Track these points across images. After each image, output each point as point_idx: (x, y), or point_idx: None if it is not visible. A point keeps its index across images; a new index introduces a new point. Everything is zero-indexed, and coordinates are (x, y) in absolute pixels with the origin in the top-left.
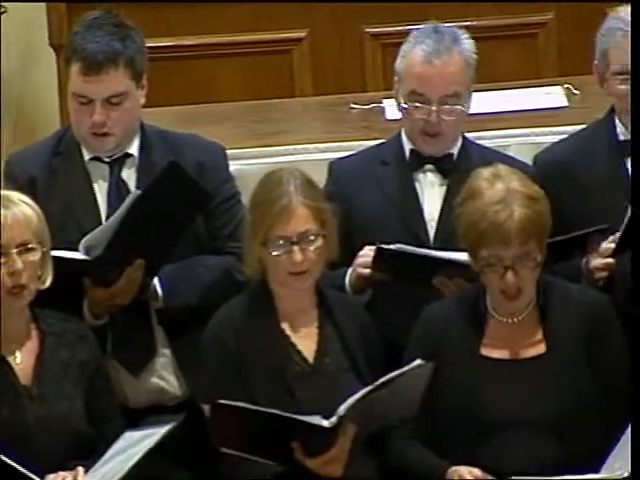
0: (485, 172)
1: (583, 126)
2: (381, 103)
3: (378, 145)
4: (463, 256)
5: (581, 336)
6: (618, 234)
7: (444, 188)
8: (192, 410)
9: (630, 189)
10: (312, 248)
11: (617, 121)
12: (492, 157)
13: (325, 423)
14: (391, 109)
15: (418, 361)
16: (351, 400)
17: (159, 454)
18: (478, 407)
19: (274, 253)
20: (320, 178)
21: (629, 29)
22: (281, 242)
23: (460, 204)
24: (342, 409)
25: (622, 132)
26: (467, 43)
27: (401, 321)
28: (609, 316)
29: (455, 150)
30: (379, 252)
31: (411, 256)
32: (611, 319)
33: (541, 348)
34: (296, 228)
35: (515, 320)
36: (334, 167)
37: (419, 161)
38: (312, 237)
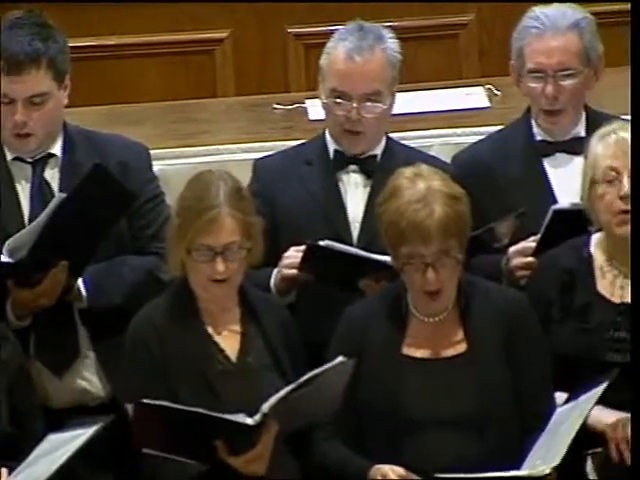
0: (407, 171)
1: (501, 127)
2: (304, 103)
3: (302, 144)
4: (389, 259)
5: (501, 335)
6: (539, 235)
7: (368, 189)
8: (115, 411)
9: (546, 187)
10: (235, 259)
11: (533, 121)
12: (416, 157)
13: (249, 421)
14: (314, 109)
15: (340, 358)
16: (274, 398)
17: (82, 456)
18: (400, 406)
19: (197, 260)
20: (243, 178)
21: (544, 27)
22: (205, 251)
23: (381, 203)
24: (265, 407)
25: (538, 132)
26: (391, 42)
27: (324, 321)
28: (527, 315)
29: (379, 150)
30: (309, 250)
31: (340, 254)
32: (529, 318)
33: (462, 347)
34: (221, 240)
35: (436, 319)
36: (258, 166)
37: (343, 161)
38: (236, 249)
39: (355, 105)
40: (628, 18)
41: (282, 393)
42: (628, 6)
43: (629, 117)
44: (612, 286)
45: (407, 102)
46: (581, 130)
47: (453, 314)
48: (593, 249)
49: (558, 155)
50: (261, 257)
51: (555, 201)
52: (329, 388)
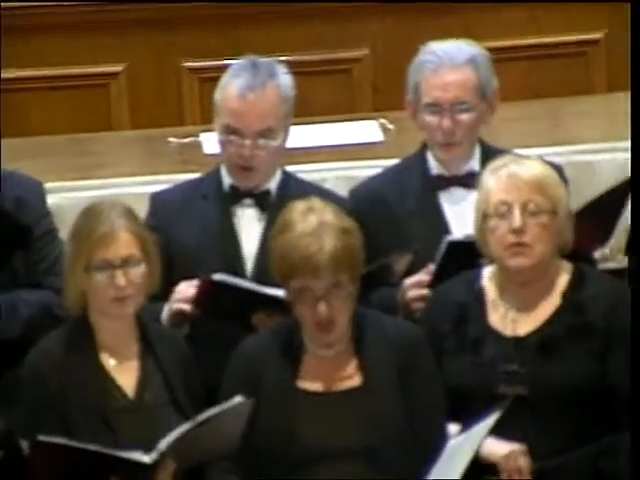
0: (299, 205)
1: (397, 160)
2: (198, 137)
3: (198, 178)
4: (282, 293)
5: (395, 368)
6: (433, 265)
7: (263, 223)
8: (10, 446)
9: (441, 221)
10: (135, 273)
11: (429, 155)
12: (311, 191)
13: (145, 459)
14: (208, 143)
15: (238, 398)
16: (171, 436)
17: None
18: (296, 440)
19: (97, 278)
20: (139, 211)
21: (440, 62)
22: (104, 267)
23: (273, 236)
24: (162, 445)
25: (434, 166)
26: (284, 78)
27: (217, 356)
28: (421, 348)
29: (274, 185)
30: (202, 284)
31: (233, 288)
32: (423, 351)
33: (356, 380)
34: (119, 252)
35: (330, 353)
36: (154, 200)
37: (238, 196)
38: (135, 262)
39: (248, 142)
40: (524, 53)
41: (180, 431)
42: (525, 41)
43: (522, 151)
44: (504, 319)
45: (301, 136)
46: (475, 164)
47: (347, 347)
48: (485, 282)
49: (453, 189)
50: (159, 282)
51: (450, 234)
52: (227, 427)
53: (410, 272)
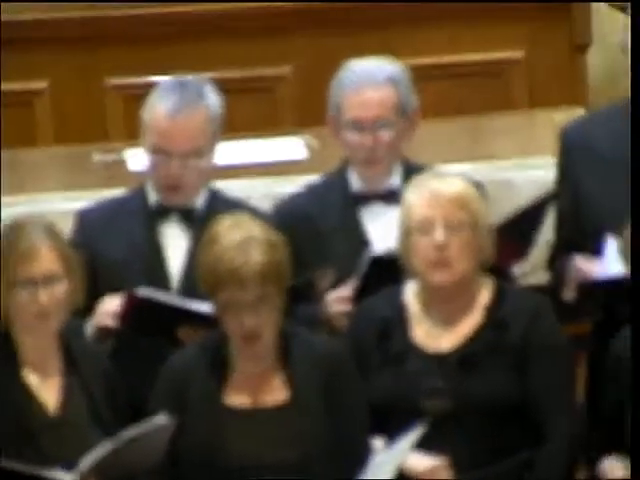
0: (226, 219)
1: (320, 177)
2: (123, 154)
3: (124, 195)
4: (208, 307)
5: (321, 383)
6: (356, 281)
7: (189, 240)
8: None
9: (362, 237)
10: (57, 290)
11: (350, 171)
12: (237, 207)
13: (67, 477)
14: (133, 160)
15: (162, 416)
16: (93, 454)
17: None
18: (222, 457)
19: (19, 294)
20: (64, 228)
21: (361, 80)
22: (26, 283)
23: (200, 249)
24: (84, 463)
25: (355, 182)
26: (213, 97)
27: (142, 371)
28: (345, 363)
29: (200, 202)
30: (127, 299)
31: (159, 304)
32: (347, 366)
33: (283, 396)
34: (41, 269)
35: (257, 368)
36: (80, 216)
37: (164, 212)
38: (57, 279)
39: (176, 162)
40: (445, 71)
41: (102, 450)
42: (445, 59)
43: (443, 168)
44: (427, 335)
45: (225, 153)
46: (397, 181)
47: (274, 362)
48: (408, 298)
49: (374, 205)
50: (82, 298)
51: (372, 250)
52: (150, 445)
53: (333, 287)
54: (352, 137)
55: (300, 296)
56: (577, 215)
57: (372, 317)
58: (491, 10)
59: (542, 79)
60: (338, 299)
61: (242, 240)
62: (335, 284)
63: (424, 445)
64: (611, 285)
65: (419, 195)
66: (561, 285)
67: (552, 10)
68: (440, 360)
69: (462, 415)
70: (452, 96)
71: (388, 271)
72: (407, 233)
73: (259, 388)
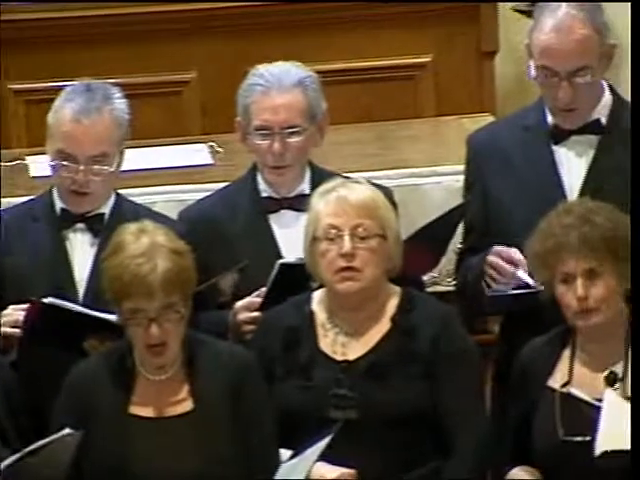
0: (131, 227)
1: (228, 183)
2: (25, 160)
3: (29, 201)
4: (114, 317)
5: (226, 392)
6: (264, 288)
7: (95, 247)
8: None
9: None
10: None
11: (259, 177)
12: (144, 214)
13: None
14: (35, 166)
15: (67, 430)
16: None
17: None
18: (127, 466)
19: None
20: None
21: (269, 85)
22: None
23: (105, 258)
24: None
25: (264, 188)
26: (119, 102)
27: (46, 382)
28: (252, 372)
29: (107, 209)
30: (32, 307)
31: (64, 312)
32: (254, 375)
33: (188, 405)
34: None
35: (162, 377)
36: None
37: (70, 219)
38: None
39: (82, 167)
40: (354, 76)
41: (6, 462)
42: (354, 65)
43: (352, 174)
44: (334, 343)
45: (130, 159)
46: (306, 187)
47: (179, 371)
48: (315, 306)
49: (283, 211)
50: None
51: (281, 257)
52: (55, 459)
53: (242, 295)
54: (260, 143)
55: (205, 301)
56: (486, 221)
57: (279, 325)
58: (399, 16)
59: (450, 85)
60: (246, 306)
61: (147, 248)
62: (244, 291)
63: (332, 454)
64: (518, 297)
65: (326, 203)
66: (481, 279)
67: (459, 16)
68: (347, 369)
69: (370, 424)
70: (360, 102)
71: (297, 279)
72: (314, 241)
73: (164, 397)
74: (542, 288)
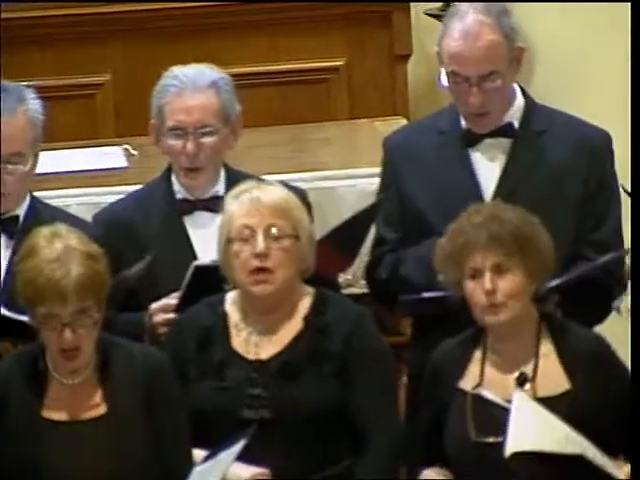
0: (44, 230)
1: (142, 185)
2: None
3: None
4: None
5: (140, 396)
6: (180, 291)
7: (10, 250)
8: None
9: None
10: None
11: (174, 179)
12: (60, 217)
13: None
14: None
15: None
16: None
17: None
18: (40, 471)
19: None
20: None
21: (183, 86)
22: None
23: (18, 262)
24: None
25: (179, 190)
26: (34, 103)
27: None
28: (166, 374)
29: (22, 211)
30: None
31: None
32: (168, 377)
33: (101, 409)
34: None
35: (75, 381)
36: None
37: None
38: None
39: None
40: (267, 79)
41: None
42: (267, 68)
43: (267, 177)
44: (247, 343)
45: (45, 162)
46: (221, 189)
47: (93, 375)
48: (228, 307)
49: (198, 213)
50: None
51: (196, 259)
52: None
53: (159, 297)
54: (174, 144)
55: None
56: (402, 224)
57: (193, 326)
58: (312, 19)
59: (363, 88)
60: (161, 308)
61: (61, 252)
62: (160, 292)
63: (246, 454)
64: (430, 301)
65: (240, 203)
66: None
67: (372, 20)
68: (260, 368)
69: (283, 423)
70: (274, 105)
71: (212, 280)
72: (228, 241)
73: (78, 401)
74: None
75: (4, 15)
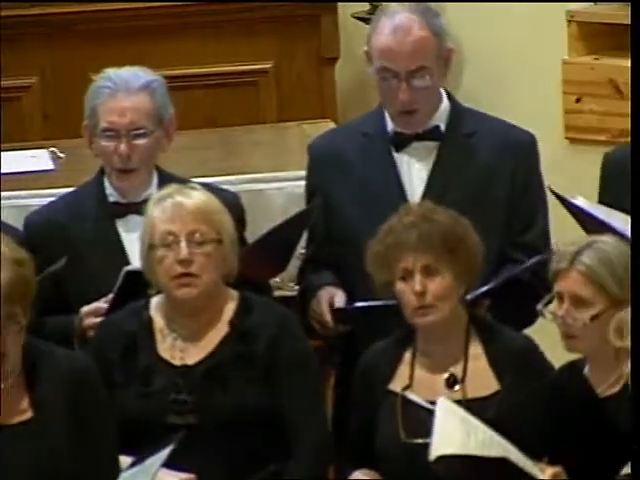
0: None
1: (68, 189)
2: None
3: None
4: None
5: (67, 400)
6: (111, 295)
7: None
8: None
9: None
10: None
11: (106, 182)
12: None
13: None
14: None
15: None
16: None
17: None
18: None
19: None
20: None
21: (116, 87)
22: None
23: None
24: None
25: (111, 193)
26: None
27: None
28: (92, 379)
29: None
30: None
31: None
32: (94, 382)
33: (28, 414)
34: None
35: (2, 386)
36: None
37: None
38: None
39: None
40: (197, 82)
41: None
42: (197, 70)
43: (198, 180)
44: (173, 349)
45: None
46: (153, 192)
47: (18, 380)
48: (153, 312)
49: (130, 216)
50: None
51: (128, 262)
52: None
53: (90, 300)
54: (107, 145)
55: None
56: (328, 229)
57: (117, 331)
58: (241, 21)
59: (291, 91)
60: (92, 311)
61: None
62: (91, 297)
63: (173, 461)
64: (362, 310)
65: (162, 209)
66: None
67: (300, 23)
68: (186, 374)
69: (210, 428)
70: (203, 108)
71: (144, 285)
72: (151, 247)
73: (4, 407)
74: (392, 302)
75: None
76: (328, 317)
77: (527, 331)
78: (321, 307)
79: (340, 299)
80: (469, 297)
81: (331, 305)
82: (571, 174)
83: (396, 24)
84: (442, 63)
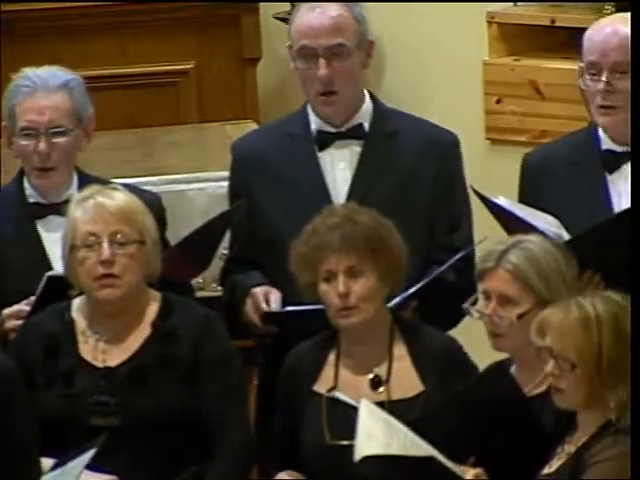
0: None
1: None
2: None
3: None
4: None
5: None
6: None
7: None
8: None
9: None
10: None
11: (26, 183)
12: None
13: None
14: None
15: None
16: None
17: None
18: None
19: None
20: None
21: (35, 86)
22: None
23: None
24: None
25: (31, 194)
26: None
27: None
28: (12, 382)
29: None
30: None
31: None
32: (15, 384)
33: None
34: None
35: None
36: None
37: None
38: None
39: None
40: (116, 82)
41: None
42: (116, 71)
43: (118, 181)
44: (95, 351)
45: None
46: (73, 192)
47: None
48: (75, 314)
49: (51, 217)
50: None
51: (49, 263)
52: None
53: (11, 302)
54: (26, 144)
55: None
56: (252, 230)
57: (39, 333)
58: (161, 21)
59: (212, 91)
60: (13, 314)
61: None
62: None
63: (96, 462)
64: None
65: (84, 210)
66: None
67: (221, 23)
68: (108, 375)
69: (132, 430)
70: (123, 108)
71: (66, 289)
72: (72, 248)
73: None
74: (320, 307)
75: None
76: (257, 319)
77: (453, 332)
78: (259, 304)
79: (275, 298)
80: (395, 302)
81: (260, 308)
82: (492, 174)
83: (315, 6)
84: (363, 52)
